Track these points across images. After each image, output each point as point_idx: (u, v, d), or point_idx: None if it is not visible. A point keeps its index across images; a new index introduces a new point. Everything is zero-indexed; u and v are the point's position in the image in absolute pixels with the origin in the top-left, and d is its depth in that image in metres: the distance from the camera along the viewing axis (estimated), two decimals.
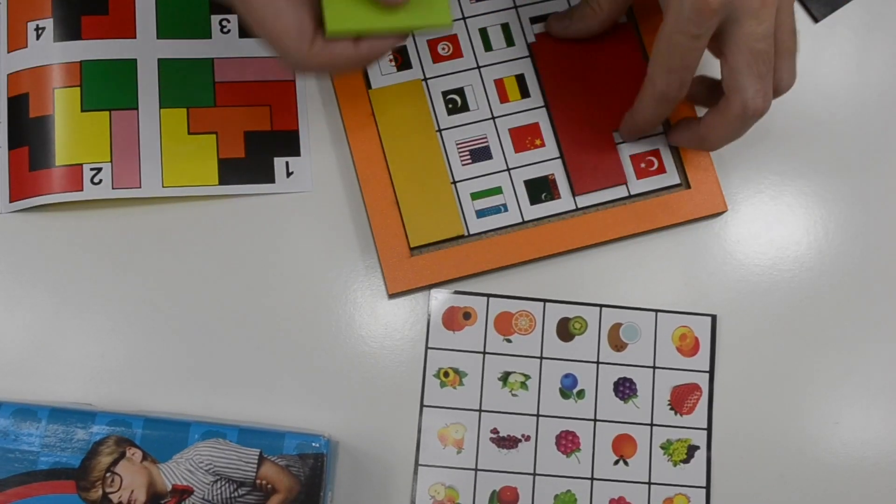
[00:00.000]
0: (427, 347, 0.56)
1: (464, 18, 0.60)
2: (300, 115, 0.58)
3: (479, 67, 0.59)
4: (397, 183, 0.56)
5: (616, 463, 0.56)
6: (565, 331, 0.57)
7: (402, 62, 0.59)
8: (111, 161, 0.56)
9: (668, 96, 0.51)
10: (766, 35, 0.48)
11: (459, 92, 0.59)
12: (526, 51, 0.59)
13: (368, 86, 0.58)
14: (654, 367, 0.57)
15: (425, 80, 0.58)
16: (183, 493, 0.50)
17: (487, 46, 0.59)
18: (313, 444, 0.51)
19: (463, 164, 0.58)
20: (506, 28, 0.60)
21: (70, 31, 0.57)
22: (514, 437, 0.56)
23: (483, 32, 0.59)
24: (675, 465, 0.56)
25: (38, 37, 0.57)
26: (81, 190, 0.56)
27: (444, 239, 0.56)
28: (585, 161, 0.57)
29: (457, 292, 0.57)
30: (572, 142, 0.58)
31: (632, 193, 0.58)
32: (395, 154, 0.57)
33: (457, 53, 0.59)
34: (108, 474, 0.50)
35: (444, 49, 0.59)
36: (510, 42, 0.59)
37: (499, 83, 0.59)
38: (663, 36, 0.49)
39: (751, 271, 0.58)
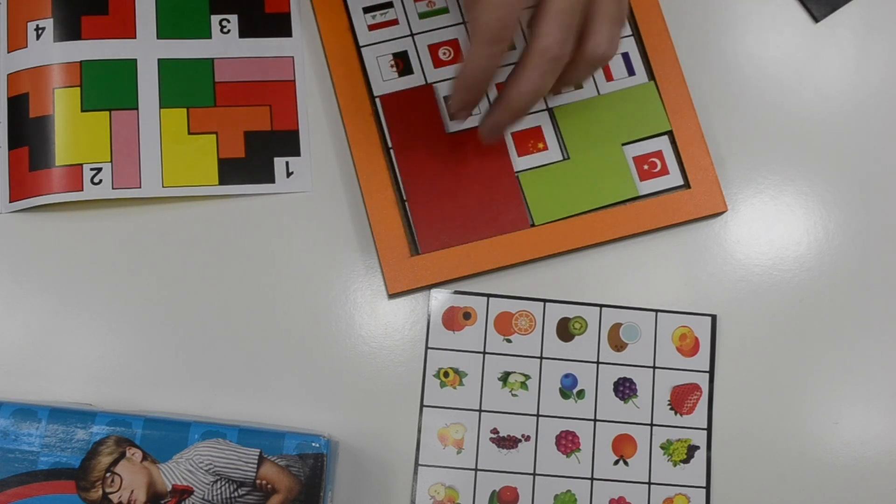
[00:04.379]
0: (427, 347, 0.56)
1: (464, 23, 0.60)
2: (300, 115, 0.58)
3: None
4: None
5: (616, 463, 0.56)
6: (565, 331, 0.57)
7: (404, 67, 0.59)
8: (111, 161, 0.56)
9: (493, 38, 0.49)
10: None
11: None
12: None
13: (369, 89, 0.58)
14: (654, 367, 0.57)
15: (427, 84, 0.58)
16: (183, 493, 0.50)
17: None
18: (313, 444, 0.51)
19: None
20: None
21: (70, 31, 0.57)
22: (514, 437, 0.56)
23: None
24: (675, 465, 0.56)
25: (38, 37, 0.57)
26: (81, 190, 0.56)
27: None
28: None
29: (457, 292, 0.57)
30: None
31: (635, 195, 0.58)
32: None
33: (458, 58, 0.59)
34: (108, 474, 0.50)
35: (444, 54, 0.59)
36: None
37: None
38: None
39: (751, 271, 0.58)
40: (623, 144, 0.58)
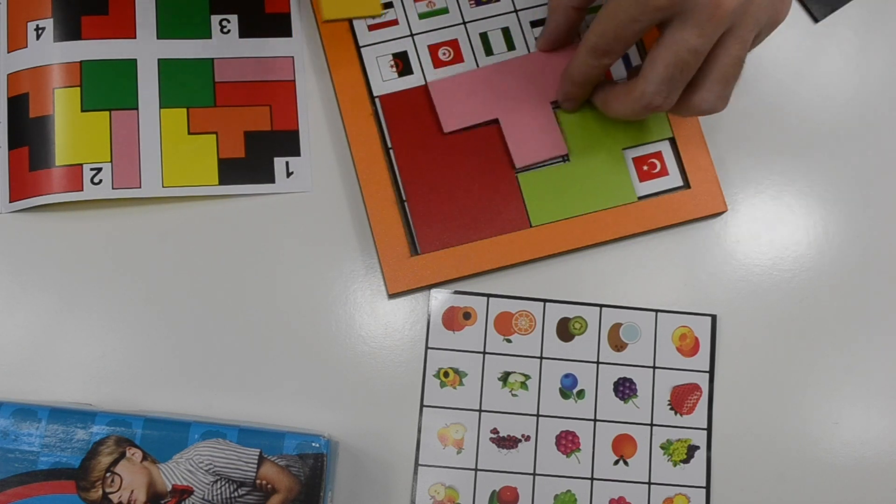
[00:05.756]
0: (427, 347, 0.56)
1: (464, 23, 0.60)
2: (300, 115, 0.58)
3: None
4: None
5: (616, 463, 0.56)
6: (565, 331, 0.57)
7: (404, 67, 0.59)
8: (111, 161, 0.56)
9: (598, 53, 0.51)
10: (696, 49, 0.47)
11: None
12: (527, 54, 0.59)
13: (370, 89, 0.58)
14: (654, 367, 0.57)
15: (427, 84, 0.58)
16: (183, 493, 0.50)
17: (488, 51, 0.59)
18: (313, 444, 0.51)
19: None
20: (506, 32, 0.59)
21: (70, 31, 0.57)
22: (514, 437, 0.56)
23: (484, 37, 0.59)
24: (675, 465, 0.56)
25: (38, 37, 0.57)
26: (81, 190, 0.56)
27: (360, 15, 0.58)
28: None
29: (457, 292, 0.57)
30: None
31: (633, 201, 0.58)
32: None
33: (458, 58, 0.59)
34: (108, 474, 0.50)
35: (444, 54, 0.59)
36: (511, 46, 0.59)
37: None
38: (611, 4, 0.48)
39: (751, 271, 0.58)
40: (623, 149, 0.58)
